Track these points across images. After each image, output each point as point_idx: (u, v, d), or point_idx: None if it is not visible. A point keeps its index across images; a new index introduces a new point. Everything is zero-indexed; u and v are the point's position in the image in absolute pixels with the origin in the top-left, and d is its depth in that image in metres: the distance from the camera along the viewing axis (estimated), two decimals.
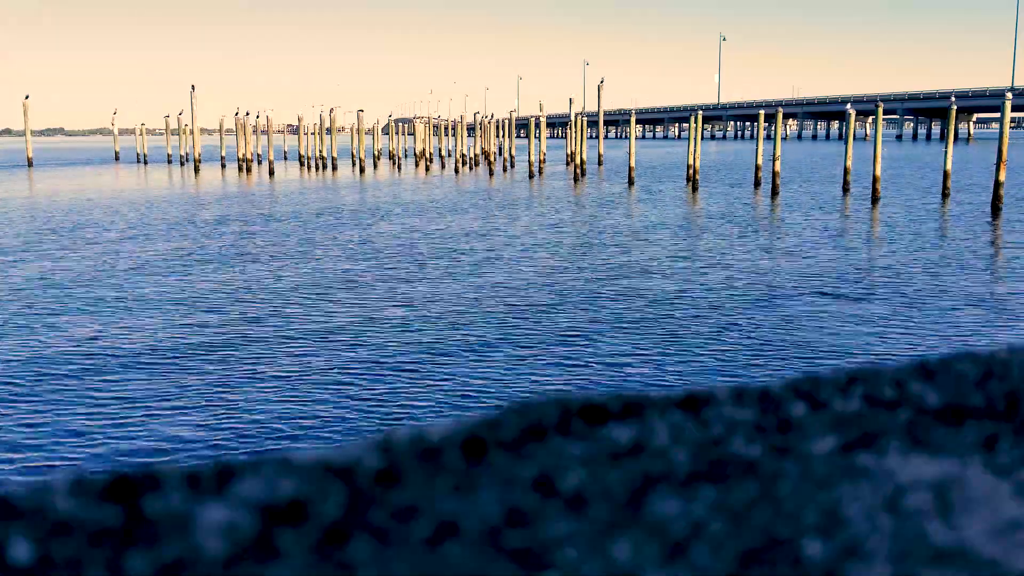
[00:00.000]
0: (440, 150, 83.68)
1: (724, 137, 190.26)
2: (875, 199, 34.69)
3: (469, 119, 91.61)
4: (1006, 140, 31.80)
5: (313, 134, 78.21)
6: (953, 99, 49.35)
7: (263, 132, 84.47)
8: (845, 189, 39.57)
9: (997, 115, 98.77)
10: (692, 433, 0.66)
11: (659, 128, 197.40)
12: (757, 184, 43.72)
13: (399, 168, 71.91)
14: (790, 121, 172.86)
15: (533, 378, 11.57)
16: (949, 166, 36.34)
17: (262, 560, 0.49)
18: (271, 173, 62.53)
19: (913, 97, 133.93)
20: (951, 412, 0.71)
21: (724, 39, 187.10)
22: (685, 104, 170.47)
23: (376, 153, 78.85)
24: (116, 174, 65.70)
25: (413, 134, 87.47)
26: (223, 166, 71.17)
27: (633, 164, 48.77)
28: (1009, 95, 36.51)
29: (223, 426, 9.81)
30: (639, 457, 0.63)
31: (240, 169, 68.24)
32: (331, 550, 0.51)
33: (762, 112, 52.41)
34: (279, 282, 18.48)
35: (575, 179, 52.06)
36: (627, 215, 32.22)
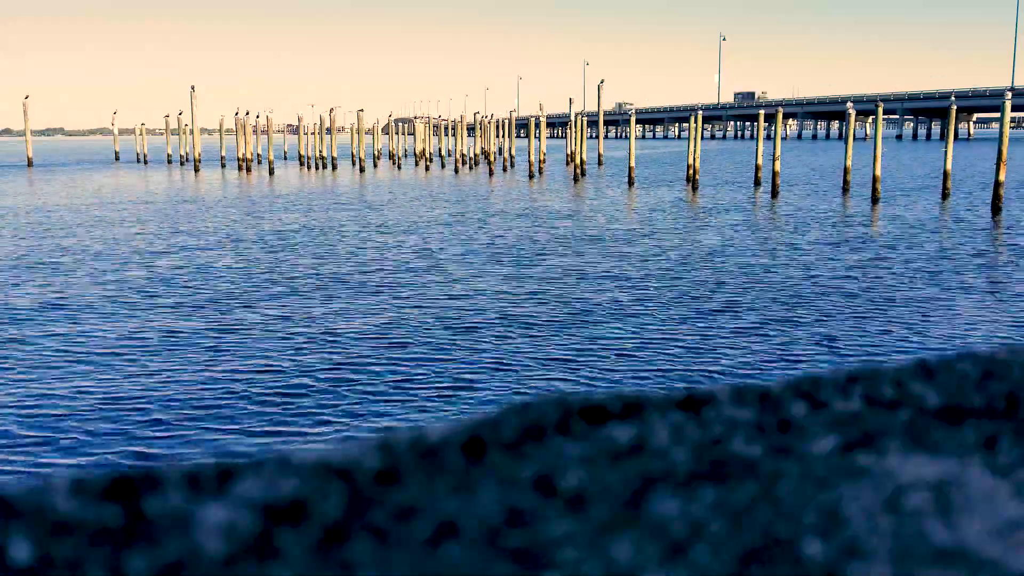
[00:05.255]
0: (440, 150, 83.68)
1: (724, 137, 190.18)
2: (875, 199, 34.70)
3: (469, 119, 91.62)
4: (1006, 140, 31.80)
5: (313, 134, 78.21)
6: (953, 99, 49.37)
7: (263, 132, 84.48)
8: (845, 189, 39.58)
9: (997, 115, 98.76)
10: (692, 433, 0.66)
11: (659, 128, 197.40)
12: (757, 184, 43.74)
13: (399, 168, 71.92)
14: (790, 121, 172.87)
15: (533, 378, 11.57)
16: (949, 166, 36.34)
17: (262, 560, 0.49)
18: (271, 173, 62.54)
19: (913, 97, 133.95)
20: (951, 412, 0.70)
21: (724, 39, 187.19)
22: (685, 104, 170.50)
23: (376, 153, 78.85)
24: (116, 175, 65.68)
25: (413, 134, 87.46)
26: (223, 166, 71.18)
27: (633, 164, 48.78)
28: (1009, 95, 36.51)
29: (222, 425, 9.81)
30: (639, 457, 0.63)
31: (240, 169, 68.23)
32: (331, 550, 0.51)
33: (762, 112, 52.46)
34: (278, 277, 18.48)
35: (575, 179, 52.06)
36: (628, 215, 32.22)
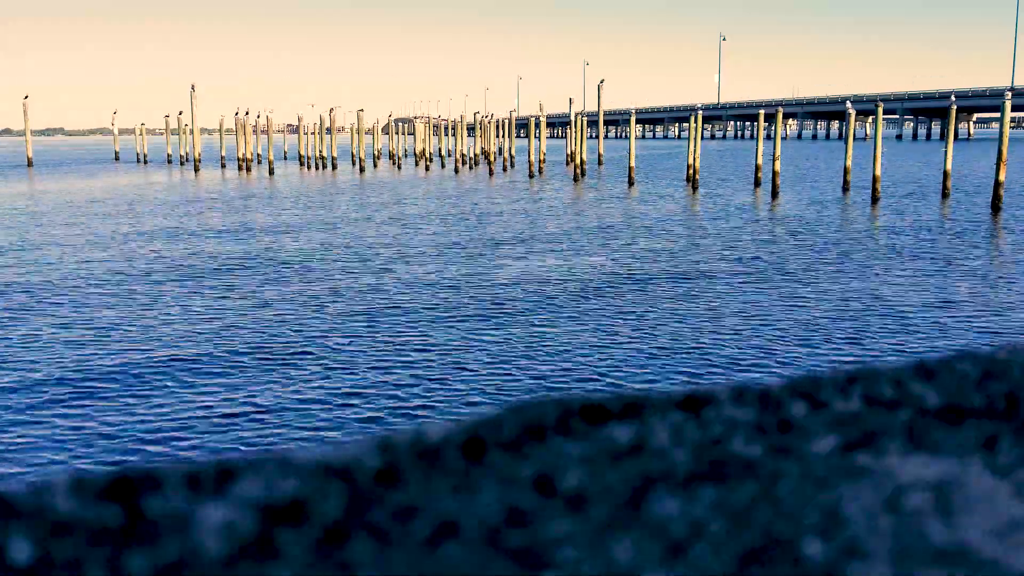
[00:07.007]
0: (440, 150, 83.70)
1: (724, 137, 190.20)
2: (875, 199, 34.70)
3: (469, 119, 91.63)
4: (1006, 140, 31.81)
5: (313, 134, 78.23)
6: (953, 99, 49.33)
7: (263, 132, 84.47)
8: (845, 189, 39.60)
9: (997, 115, 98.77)
10: (692, 433, 0.66)
11: (659, 128, 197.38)
12: (757, 184, 43.74)
13: (399, 168, 71.93)
14: (790, 121, 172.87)
15: (533, 378, 11.57)
16: (949, 166, 36.35)
17: (262, 560, 0.49)
18: (271, 173, 62.55)
19: (913, 97, 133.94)
20: (951, 412, 0.71)
21: (724, 39, 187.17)
22: (685, 104, 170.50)
23: (376, 153, 78.87)
24: (116, 174, 65.65)
25: (413, 134, 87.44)
26: (223, 166, 71.19)
27: (633, 164, 48.78)
28: (1009, 95, 36.53)
29: (221, 424, 9.81)
30: (639, 457, 0.63)
31: (240, 169, 68.23)
32: (331, 550, 0.51)
33: (762, 112, 52.40)
34: (277, 279, 18.48)
35: (575, 179, 52.06)
36: (628, 214, 32.21)
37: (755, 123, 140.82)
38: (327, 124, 75.11)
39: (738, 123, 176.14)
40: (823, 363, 12.24)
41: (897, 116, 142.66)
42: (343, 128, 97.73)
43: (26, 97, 79.67)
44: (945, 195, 35.71)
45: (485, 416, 0.66)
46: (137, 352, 12.83)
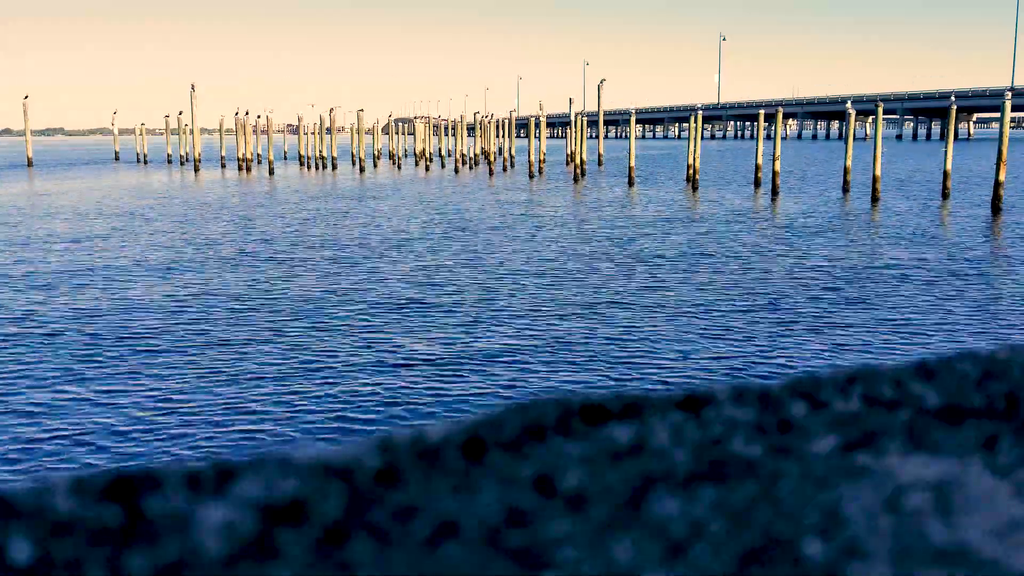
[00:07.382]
0: (440, 150, 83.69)
1: (724, 137, 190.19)
2: (875, 199, 34.70)
3: (469, 119, 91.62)
4: (1006, 140, 31.80)
5: (313, 134, 78.21)
6: (953, 99, 49.35)
7: (263, 132, 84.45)
8: (845, 189, 39.60)
9: (997, 115, 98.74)
10: (692, 433, 0.66)
11: (659, 128, 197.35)
12: (757, 184, 43.74)
13: (399, 168, 71.93)
14: (790, 121, 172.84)
15: (533, 378, 11.56)
16: (949, 166, 36.34)
17: (262, 560, 0.49)
18: (271, 173, 62.55)
19: (913, 97, 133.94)
20: (951, 412, 0.70)
21: (724, 39, 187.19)
22: (685, 104, 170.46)
23: (376, 153, 78.86)
24: (116, 174, 65.63)
25: (413, 134, 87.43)
26: (223, 166, 71.18)
27: (633, 164, 48.77)
28: (1009, 95, 36.54)
29: (222, 425, 9.81)
30: (639, 457, 0.63)
31: (240, 169, 68.22)
32: (331, 550, 0.51)
33: (762, 112, 52.39)
34: (275, 278, 18.48)
35: (575, 179, 52.05)
36: (628, 215, 32.21)
37: (755, 123, 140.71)
38: (327, 124, 75.10)
39: (738, 123, 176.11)
40: (823, 363, 12.24)
41: (897, 116, 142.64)
42: (343, 128, 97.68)
43: (26, 97, 79.69)
44: (945, 195, 35.72)
45: (485, 416, 0.66)
46: (135, 352, 12.83)
